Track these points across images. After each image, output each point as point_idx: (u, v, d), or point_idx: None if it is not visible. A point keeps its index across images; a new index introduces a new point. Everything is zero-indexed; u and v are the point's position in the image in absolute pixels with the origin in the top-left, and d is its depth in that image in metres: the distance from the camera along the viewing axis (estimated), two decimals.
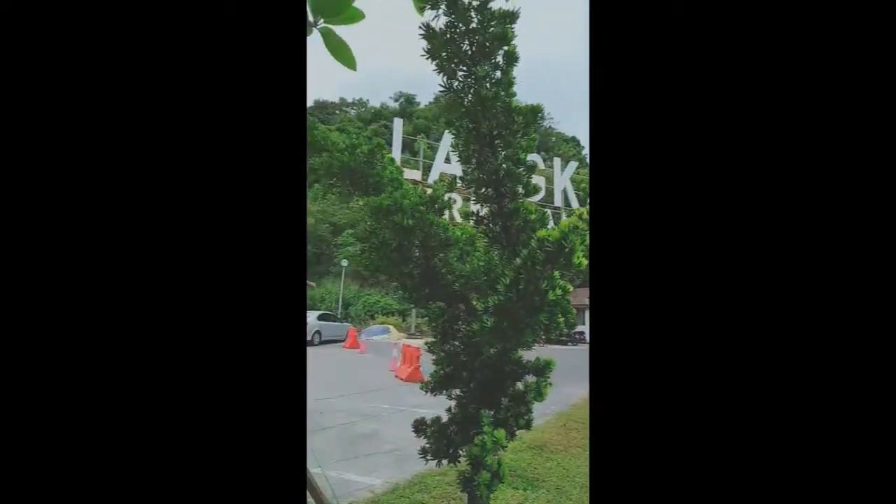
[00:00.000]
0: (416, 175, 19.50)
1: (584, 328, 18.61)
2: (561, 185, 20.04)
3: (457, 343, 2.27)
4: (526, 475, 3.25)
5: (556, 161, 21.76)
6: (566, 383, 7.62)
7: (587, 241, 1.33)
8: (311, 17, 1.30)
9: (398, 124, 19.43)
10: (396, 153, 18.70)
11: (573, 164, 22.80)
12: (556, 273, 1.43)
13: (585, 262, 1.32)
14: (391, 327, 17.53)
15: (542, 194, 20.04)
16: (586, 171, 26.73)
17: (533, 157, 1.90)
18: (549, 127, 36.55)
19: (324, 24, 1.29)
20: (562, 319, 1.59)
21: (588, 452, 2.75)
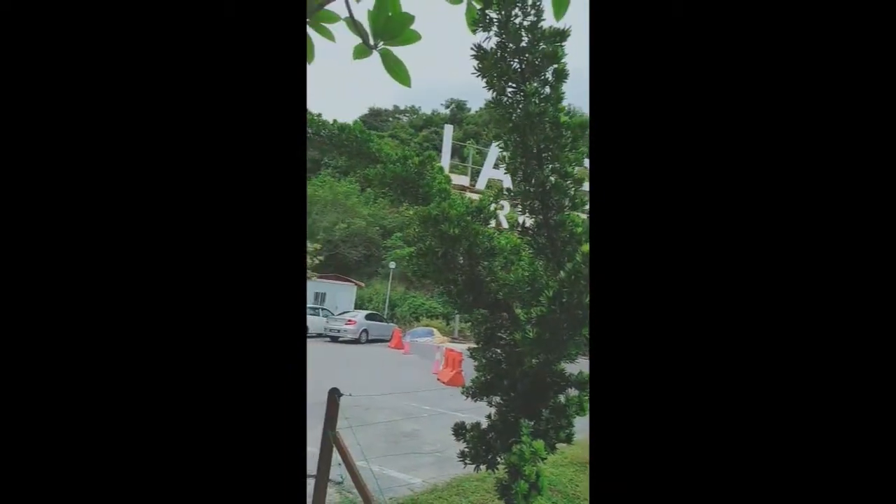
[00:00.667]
0: (464, 180, 19.63)
1: None
2: None
3: (499, 351, 2.30)
4: (566, 491, 3.18)
5: None
6: None
7: None
8: (371, 40, 1.41)
9: (448, 130, 19.71)
10: (446, 158, 18.97)
11: None
12: None
13: None
14: (435, 330, 17.74)
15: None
16: None
17: (581, 169, 1.90)
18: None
19: (383, 46, 1.40)
20: None
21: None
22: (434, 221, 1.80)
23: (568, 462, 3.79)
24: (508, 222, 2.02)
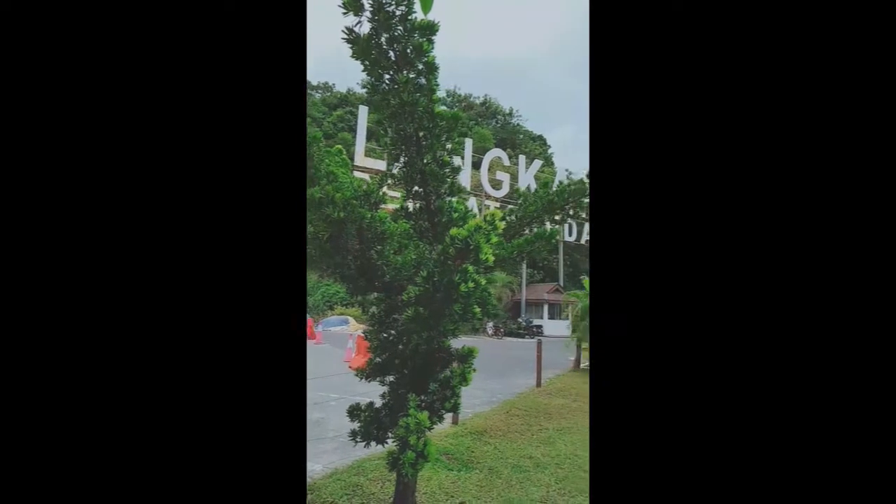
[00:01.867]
0: (382, 164, 19.24)
1: (542, 322, 19.36)
2: (525, 182, 20.57)
3: (393, 332, 2.38)
4: (462, 458, 3.44)
5: (521, 158, 22.26)
6: (516, 374, 7.97)
7: (493, 240, 1.46)
8: None
9: (363, 112, 19.03)
10: (361, 141, 18.32)
11: (538, 163, 23.47)
12: (470, 267, 1.56)
13: (492, 258, 1.46)
14: (351, 319, 17.35)
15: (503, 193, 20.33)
16: (552, 169, 27.45)
17: (458, 160, 2.02)
18: (517, 124, 37.21)
19: None
20: (478, 310, 1.73)
21: (525, 436, 2.93)
22: (318, 205, 1.78)
23: (467, 432, 4.09)
24: (396, 207, 2.08)
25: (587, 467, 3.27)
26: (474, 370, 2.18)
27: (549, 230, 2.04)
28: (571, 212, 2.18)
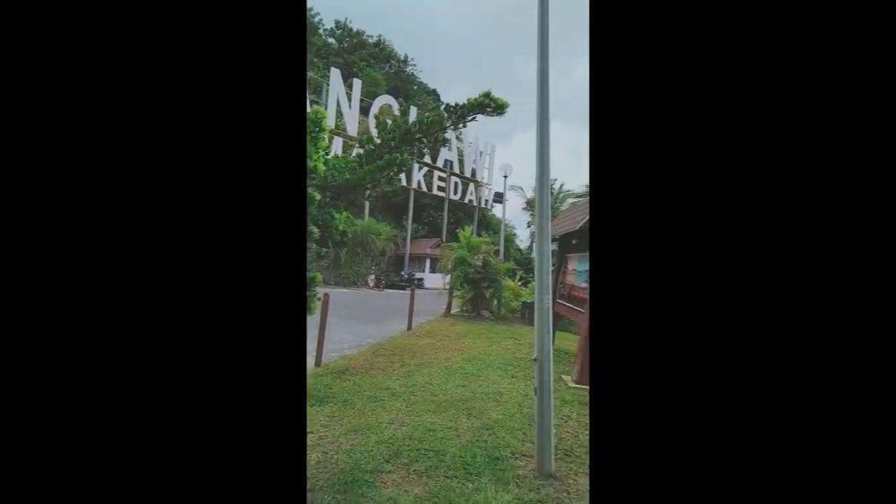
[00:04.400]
0: None
1: (423, 275, 20.09)
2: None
3: None
4: (318, 395, 3.44)
5: (413, 110, 21.75)
6: (390, 321, 8.21)
7: (322, 144, 1.36)
8: None
9: None
10: None
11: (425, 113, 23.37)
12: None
13: (322, 167, 1.36)
14: None
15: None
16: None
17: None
18: (412, 74, 35.77)
19: None
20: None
21: (387, 372, 2.99)
22: None
23: (328, 372, 4.10)
24: None
25: (438, 392, 3.57)
26: (318, 299, 2.11)
27: (400, 157, 2.01)
28: (427, 142, 2.17)
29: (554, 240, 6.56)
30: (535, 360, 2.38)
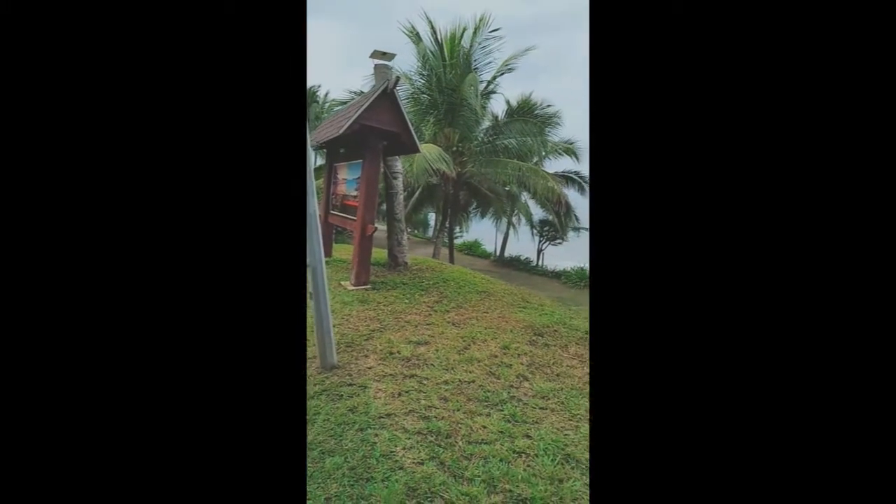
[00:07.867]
0: None
1: None
2: None
3: None
4: None
5: None
6: None
7: None
8: None
9: None
10: None
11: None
12: None
13: None
14: None
15: None
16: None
17: None
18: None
19: None
20: None
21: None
22: None
23: None
24: None
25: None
26: None
27: None
28: None
29: (321, 147, 6.22)
30: (308, 265, 2.32)
